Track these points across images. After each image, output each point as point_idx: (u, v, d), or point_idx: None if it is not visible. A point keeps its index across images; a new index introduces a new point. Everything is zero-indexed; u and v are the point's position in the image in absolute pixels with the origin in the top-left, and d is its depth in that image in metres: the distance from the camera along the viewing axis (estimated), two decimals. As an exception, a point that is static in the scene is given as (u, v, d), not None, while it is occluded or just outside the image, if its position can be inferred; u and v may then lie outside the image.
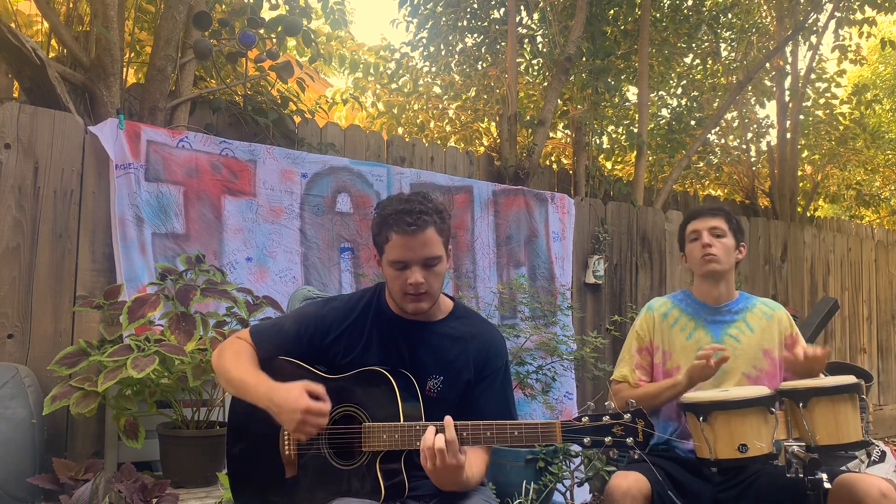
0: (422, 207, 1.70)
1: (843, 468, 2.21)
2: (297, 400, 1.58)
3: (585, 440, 1.57)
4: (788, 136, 6.88)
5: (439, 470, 1.56)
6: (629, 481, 2.02)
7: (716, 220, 2.35)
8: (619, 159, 7.47)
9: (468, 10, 6.41)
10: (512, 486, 3.12)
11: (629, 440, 1.56)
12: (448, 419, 1.58)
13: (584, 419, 1.58)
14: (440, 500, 1.73)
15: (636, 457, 1.57)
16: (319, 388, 1.63)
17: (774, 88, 7.06)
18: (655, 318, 2.42)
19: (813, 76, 7.11)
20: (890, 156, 8.49)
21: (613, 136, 6.96)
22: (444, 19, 6.50)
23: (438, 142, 6.35)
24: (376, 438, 1.65)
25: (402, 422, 1.65)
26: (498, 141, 5.22)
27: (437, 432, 1.57)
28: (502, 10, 6.25)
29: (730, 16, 7.01)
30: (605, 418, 1.57)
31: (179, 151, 3.25)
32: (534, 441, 1.61)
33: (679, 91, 7.51)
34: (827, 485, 1.78)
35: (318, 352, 1.82)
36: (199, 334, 2.57)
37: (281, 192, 3.55)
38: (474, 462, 1.71)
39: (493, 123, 6.45)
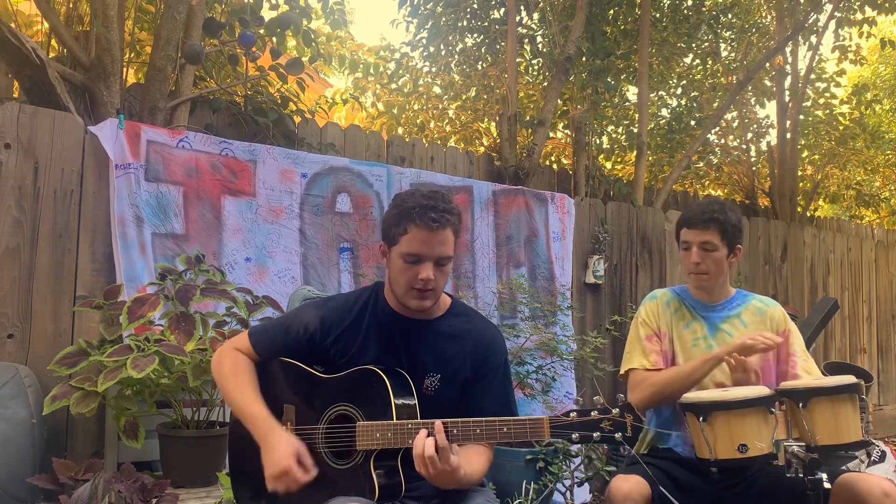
0: (445, 206, 1.71)
1: (843, 468, 2.21)
2: (284, 457, 1.61)
3: (574, 436, 1.55)
4: (788, 136, 6.88)
5: (432, 475, 1.57)
6: (630, 484, 2.01)
7: (708, 234, 2.28)
8: (619, 159, 7.47)
9: (468, 10, 6.41)
10: (512, 486, 3.12)
11: (618, 435, 1.54)
12: (438, 424, 1.57)
13: (573, 415, 1.57)
14: (440, 500, 1.73)
15: (625, 452, 1.56)
16: (309, 461, 1.65)
17: (774, 88, 7.06)
18: (659, 305, 2.41)
19: (813, 76, 7.11)
20: (890, 156, 8.49)
21: (613, 136, 6.96)
22: (444, 19, 6.50)
23: (438, 142, 6.35)
24: (370, 437, 1.65)
25: (394, 420, 1.65)
26: (498, 141, 5.22)
27: (428, 435, 1.56)
28: (502, 10, 6.25)
29: (730, 16, 7.01)
30: (594, 413, 1.56)
31: (179, 151, 3.25)
32: (522, 437, 1.60)
33: (679, 91, 7.51)
34: (827, 485, 1.78)
35: (318, 352, 1.82)
36: (199, 334, 2.57)
37: (281, 192, 3.55)
38: (473, 459, 1.70)
39: (493, 123, 6.45)
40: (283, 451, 1.62)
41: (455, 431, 1.58)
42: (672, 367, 2.28)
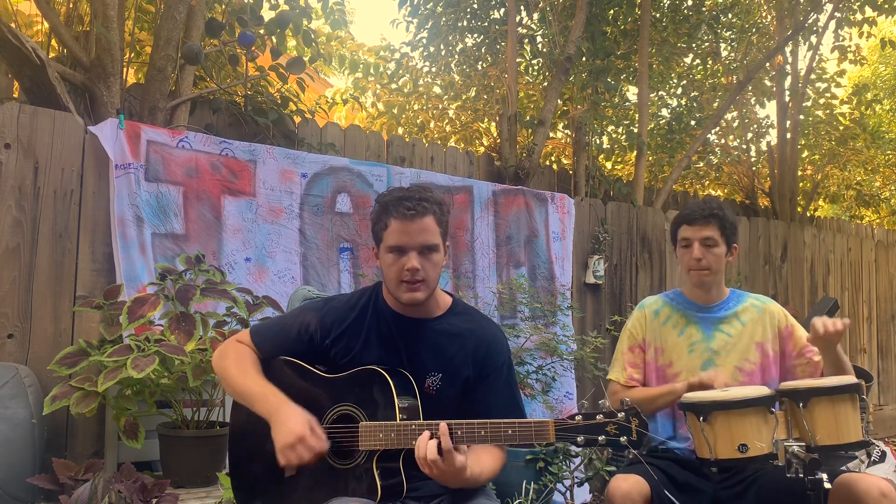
0: (421, 195, 1.73)
1: (843, 468, 2.21)
2: (298, 423, 1.61)
3: (579, 439, 1.55)
4: (788, 136, 6.88)
5: (437, 476, 1.56)
6: (629, 483, 2.01)
7: (708, 230, 2.30)
8: (619, 159, 7.47)
9: (468, 10, 6.41)
10: (512, 486, 3.12)
11: (623, 439, 1.54)
12: (443, 426, 1.56)
13: (578, 418, 1.57)
14: (441, 500, 1.73)
15: (630, 456, 1.56)
16: (322, 433, 1.65)
17: (774, 88, 7.05)
18: (647, 315, 2.42)
19: (813, 76, 7.11)
20: (890, 156, 8.49)
21: (613, 136, 6.96)
22: (444, 19, 6.50)
23: (438, 142, 6.35)
24: (372, 438, 1.65)
25: (397, 421, 1.65)
26: (498, 141, 5.22)
27: (431, 437, 1.55)
28: (502, 10, 6.25)
29: (730, 16, 7.01)
30: (599, 417, 1.56)
31: (179, 151, 3.25)
32: (527, 440, 1.60)
33: (679, 91, 7.51)
34: (827, 485, 1.78)
35: (319, 352, 1.82)
36: (199, 334, 2.57)
37: (281, 192, 3.55)
38: (483, 457, 1.69)
39: (493, 123, 6.45)
40: (296, 419, 1.62)
41: (459, 433, 1.58)
42: (641, 388, 2.35)
